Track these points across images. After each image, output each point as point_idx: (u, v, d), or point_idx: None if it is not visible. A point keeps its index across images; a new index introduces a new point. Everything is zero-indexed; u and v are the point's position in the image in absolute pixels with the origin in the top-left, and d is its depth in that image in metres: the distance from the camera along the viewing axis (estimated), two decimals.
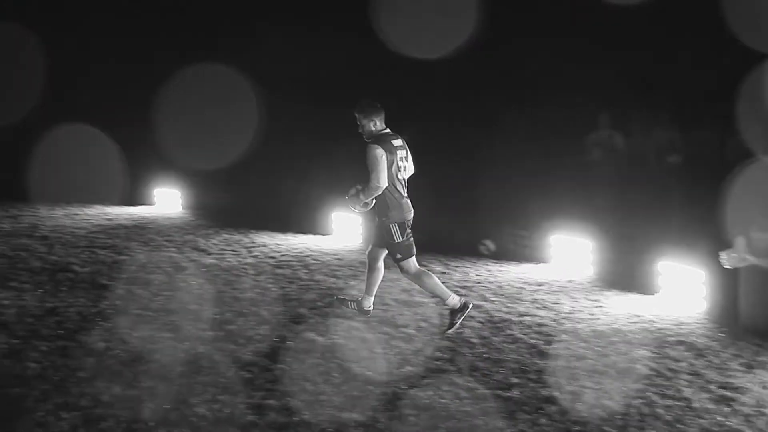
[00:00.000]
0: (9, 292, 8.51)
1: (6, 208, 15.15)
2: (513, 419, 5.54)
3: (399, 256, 7.54)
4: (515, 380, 6.30)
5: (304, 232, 13.16)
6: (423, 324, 7.82)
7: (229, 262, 10.69)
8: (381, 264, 7.84)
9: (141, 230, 13.25)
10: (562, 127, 12.78)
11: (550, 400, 5.88)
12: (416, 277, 7.65)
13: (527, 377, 6.38)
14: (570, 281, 9.95)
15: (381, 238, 7.64)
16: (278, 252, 11.45)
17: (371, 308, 7.91)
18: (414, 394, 5.93)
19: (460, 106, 13.85)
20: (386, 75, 13.74)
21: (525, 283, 9.86)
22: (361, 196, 7.43)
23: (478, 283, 9.80)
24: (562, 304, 8.82)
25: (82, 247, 11.47)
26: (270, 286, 9.19)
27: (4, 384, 5.77)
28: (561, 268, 10.61)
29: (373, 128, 7.50)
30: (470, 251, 11.57)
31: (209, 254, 11.15)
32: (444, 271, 10.42)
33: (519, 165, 12.31)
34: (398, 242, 7.50)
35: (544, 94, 12.96)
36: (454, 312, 7.49)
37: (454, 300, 7.51)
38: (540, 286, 9.71)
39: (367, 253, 7.92)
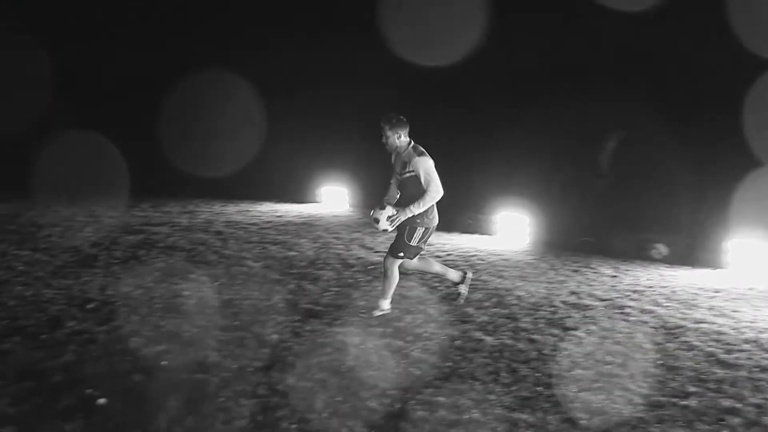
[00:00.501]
0: (189, 284, 8.93)
1: (183, 204, 15.99)
2: (691, 429, 5.31)
3: (401, 254, 7.76)
4: (692, 389, 6.03)
5: (471, 233, 13.22)
6: (592, 327, 7.63)
7: None
8: (425, 259, 8.12)
9: (309, 227, 13.62)
10: (734, 132, 12.21)
11: (732, 412, 5.59)
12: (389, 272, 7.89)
13: (705, 386, 6.10)
14: (750, 289, 9.44)
15: (399, 238, 7.76)
16: (444, 251, 11.48)
17: (462, 292, 8.32)
18: (585, 397, 5.78)
19: (630, 117, 13.47)
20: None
21: (700, 288, 9.44)
22: (415, 208, 7.56)
23: (650, 287, 9.47)
24: (742, 312, 8.38)
25: (254, 242, 11.90)
26: (436, 284, 9.21)
27: (188, 369, 6.07)
28: (740, 275, 10.10)
29: (398, 141, 7.67)
30: (641, 255, 11.23)
31: (376, 252, 11.31)
32: (614, 274, 10.14)
33: (692, 167, 11.83)
34: (411, 244, 7.73)
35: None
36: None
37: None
38: (717, 292, 9.26)
39: (412, 268, 8.11)
